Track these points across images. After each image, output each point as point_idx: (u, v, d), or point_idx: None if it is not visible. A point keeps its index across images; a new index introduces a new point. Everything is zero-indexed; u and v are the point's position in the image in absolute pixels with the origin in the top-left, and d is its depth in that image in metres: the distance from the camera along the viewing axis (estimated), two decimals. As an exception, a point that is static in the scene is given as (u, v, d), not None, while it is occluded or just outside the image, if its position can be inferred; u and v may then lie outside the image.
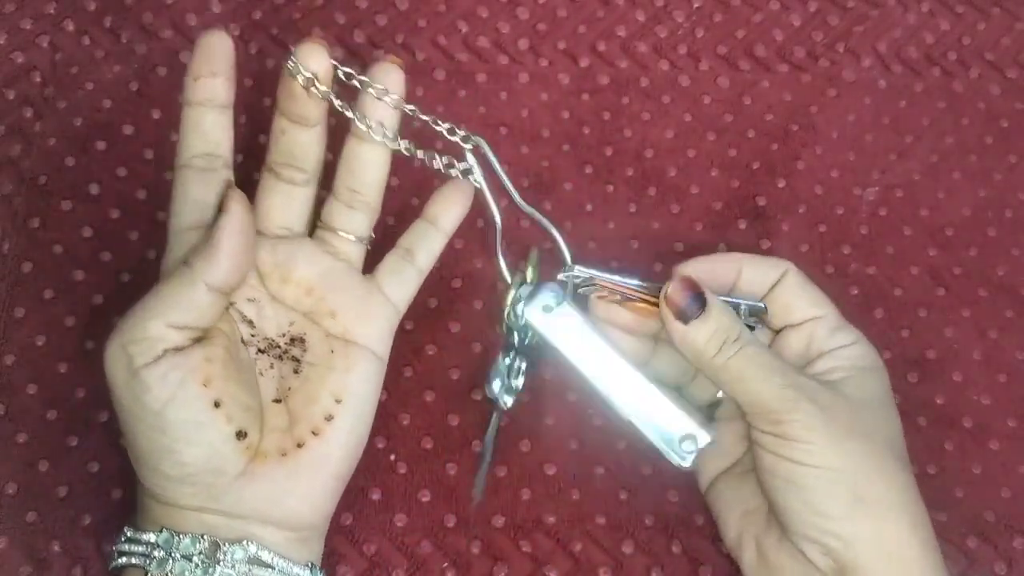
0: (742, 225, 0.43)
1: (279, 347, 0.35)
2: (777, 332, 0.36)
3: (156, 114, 0.43)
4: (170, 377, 0.30)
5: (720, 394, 0.38)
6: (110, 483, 0.38)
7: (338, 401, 0.34)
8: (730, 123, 0.45)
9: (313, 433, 0.33)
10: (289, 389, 0.34)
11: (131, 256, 0.41)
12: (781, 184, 0.44)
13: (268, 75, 0.44)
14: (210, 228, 0.32)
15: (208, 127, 0.34)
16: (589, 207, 0.43)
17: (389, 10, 0.46)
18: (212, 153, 0.34)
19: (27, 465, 0.38)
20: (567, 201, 0.43)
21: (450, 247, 0.42)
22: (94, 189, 0.42)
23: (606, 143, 0.44)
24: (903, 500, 0.32)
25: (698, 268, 0.35)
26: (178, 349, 0.31)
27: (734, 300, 0.35)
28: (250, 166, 0.42)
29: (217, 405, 0.31)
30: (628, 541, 0.39)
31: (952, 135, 0.46)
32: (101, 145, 0.42)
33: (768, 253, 0.43)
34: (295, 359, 0.35)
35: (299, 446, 0.33)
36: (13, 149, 0.42)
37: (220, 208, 0.32)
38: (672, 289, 0.34)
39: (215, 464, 0.31)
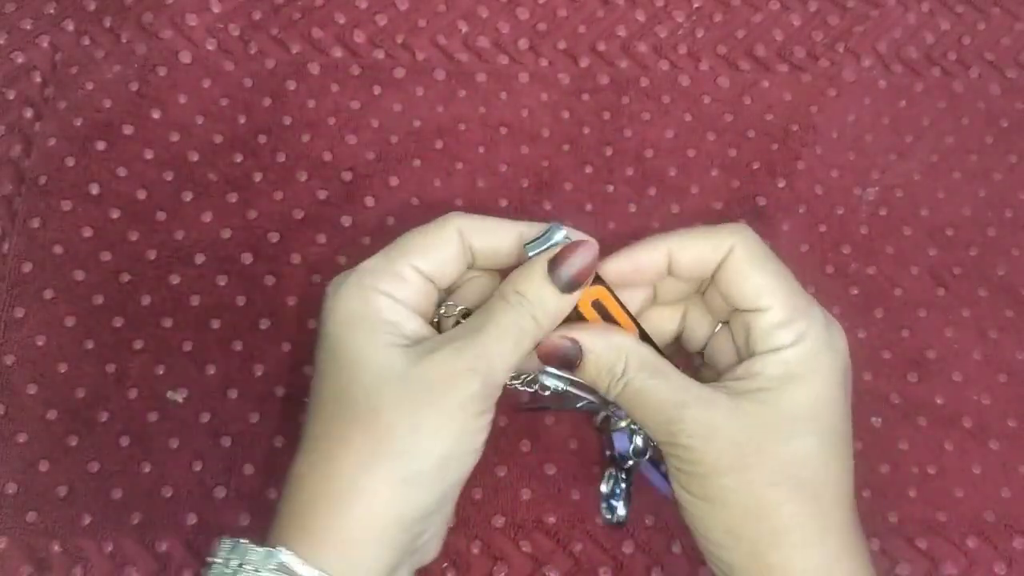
0: (742, 225, 0.43)
1: None
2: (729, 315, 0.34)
3: (156, 114, 0.43)
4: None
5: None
6: (110, 483, 0.38)
7: None
8: (730, 123, 0.45)
9: None
10: None
11: (131, 256, 0.41)
12: (781, 184, 0.44)
13: (268, 75, 0.44)
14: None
15: None
16: (589, 207, 0.43)
17: (389, 10, 0.46)
18: None
19: (27, 465, 0.38)
20: (567, 201, 0.43)
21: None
22: (94, 189, 0.42)
23: (606, 143, 0.44)
24: (792, 526, 0.30)
25: (620, 267, 0.33)
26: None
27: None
28: (250, 166, 0.43)
29: None
30: (628, 541, 0.39)
31: (952, 135, 0.46)
32: (101, 145, 0.42)
33: (768, 253, 0.43)
34: None
35: None
36: (13, 149, 0.42)
37: None
38: (542, 355, 0.32)
39: None
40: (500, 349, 0.30)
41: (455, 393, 0.29)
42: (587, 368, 0.32)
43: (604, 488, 0.38)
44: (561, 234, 0.32)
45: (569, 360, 0.32)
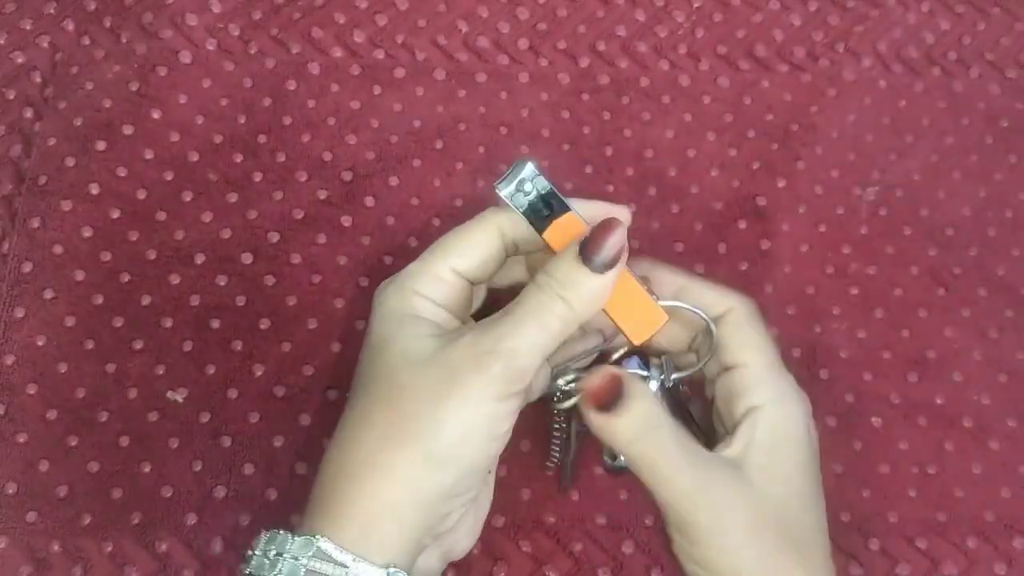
0: (742, 225, 0.43)
1: None
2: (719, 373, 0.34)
3: (156, 114, 0.43)
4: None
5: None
6: (110, 483, 0.38)
7: None
8: (730, 123, 0.45)
9: None
10: None
11: (131, 256, 0.41)
12: (781, 184, 0.44)
13: (268, 75, 0.44)
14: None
15: None
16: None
17: (389, 10, 0.46)
18: None
19: (27, 465, 0.38)
20: (567, 201, 0.43)
21: (450, 247, 0.42)
22: (94, 189, 0.42)
23: (606, 143, 0.44)
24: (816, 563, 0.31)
25: (643, 266, 0.34)
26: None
27: (691, 308, 0.33)
28: (250, 166, 0.43)
29: None
30: (628, 541, 0.39)
31: (952, 135, 0.46)
32: (101, 145, 0.42)
33: (768, 253, 0.43)
34: None
35: None
36: (13, 149, 0.42)
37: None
38: (597, 384, 0.31)
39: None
40: (525, 331, 0.30)
41: (476, 376, 0.29)
42: (630, 412, 0.30)
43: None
44: (528, 168, 0.32)
45: (615, 401, 0.31)
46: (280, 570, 0.28)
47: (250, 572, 0.29)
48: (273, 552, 0.29)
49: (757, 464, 0.31)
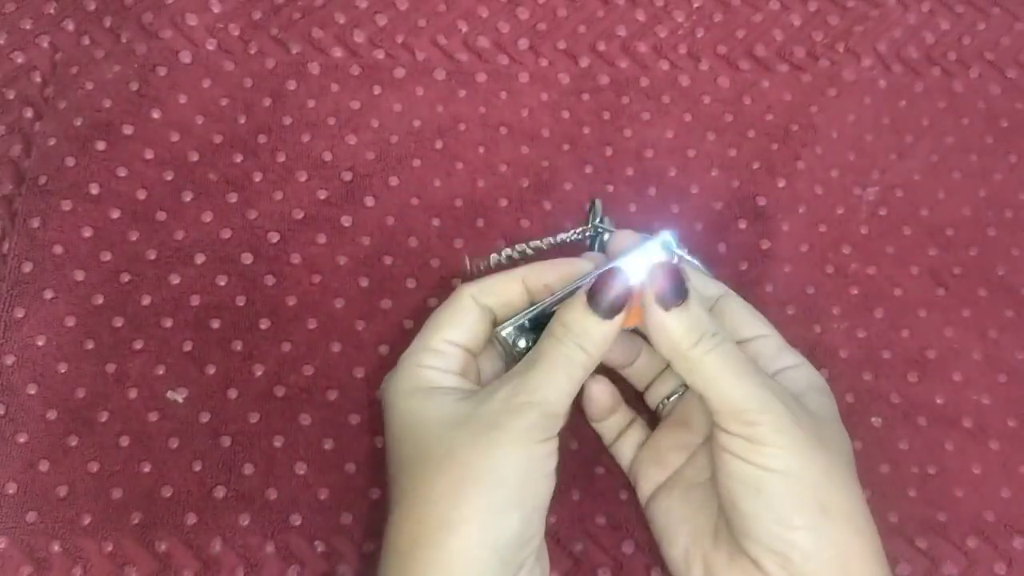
0: (742, 225, 0.43)
1: None
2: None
3: (156, 114, 0.43)
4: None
5: (664, 403, 0.38)
6: (110, 483, 0.38)
7: None
8: (730, 123, 0.45)
9: None
10: None
11: (131, 256, 0.41)
12: (781, 184, 0.44)
13: (268, 75, 0.44)
14: None
15: None
16: (589, 207, 0.43)
17: (389, 10, 0.46)
18: None
19: (27, 465, 0.38)
20: (567, 201, 0.43)
21: (449, 247, 0.42)
22: (94, 189, 0.42)
23: (606, 143, 0.44)
24: (866, 517, 0.32)
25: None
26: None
27: (692, 261, 0.36)
28: (250, 166, 0.43)
29: None
30: (628, 541, 0.39)
31: (952, 135, 0.46)
32: (101, 145, 0.42)
33: (768, 253, 0.43)
34: None
35: None
36: (13, 149, 0.42)
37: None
38: (656, 274, 0.32)
39: None
40: (553, 381, 0.32)
41: (518, 422, 0.31)
42: (687, 312, 0.32)
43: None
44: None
45: (682, 293, 0.32)
46: None
47: None
48: None
49: (807, 404, 0.33)
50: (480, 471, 0.30)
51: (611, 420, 0.38)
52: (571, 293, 0.34)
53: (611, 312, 0.32)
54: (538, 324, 0.35)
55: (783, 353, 0.35)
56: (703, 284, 0.36)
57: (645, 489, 0.37)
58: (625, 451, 0.38)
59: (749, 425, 0.31)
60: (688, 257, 0.37)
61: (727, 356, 0.32)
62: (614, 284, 0.32)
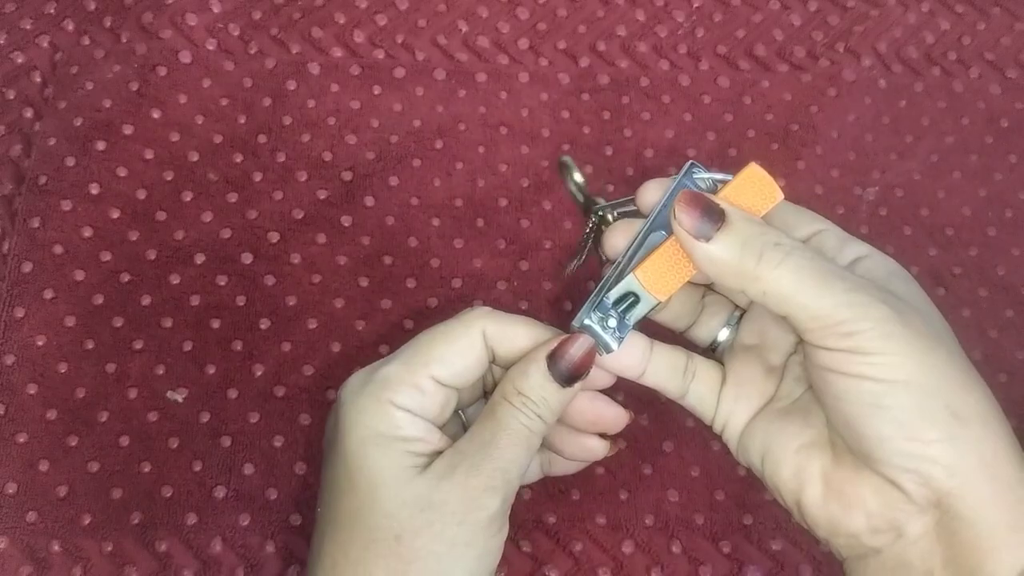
0: (742, 225, 0.43)
1: None
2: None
3: (156, 114, 0.43)
4: None
5: (721, 335, 0.34)
6: (110, 483, 0.38)
7: None
8: (730, 123, 0.45)
9: None
10: None
11: (131, 256, 0.41)
12: (781, 184, 0.44)
13: (268, 75, 0.44)
14: None
15: None
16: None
17: (389, 10, 0.46)
18: None
19: (27, 465, 0.38)
20: (567, 201, 0.43)
21: (449, 247, 0.42)
22: (94, 189, 0.42)
23: (606, 143, 0.44)
24: (999, 417, 0.28)
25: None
26: None
27: (707, 175, 0.31)
28: (250, 166, 0.43)
29: None
30: (628, 541, 0.39)
31: (952, 135, 0.46)
32: (101, 145, 0.42)
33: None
34: None
35: None
36: (13, 149, 0.42)
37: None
38: (679, 210, 0.29)
39: None
40: (513, 456, 0.30)
41: (476, 515, 0.29)
42: (731, 232, 0.28)
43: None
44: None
45: (715, 214, 0.28)
46: None
47: None
48: None
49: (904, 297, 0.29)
50: (428, 566, 0.28)
51: (666, 375, 0.33)
52: (632, 256, 0.31)
53: (572, 380, 0.30)
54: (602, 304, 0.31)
55: (848, 244, 0.30)
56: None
57: (735, 428, 0.32)
58: (703, 397, 0.33)
59: (849, 336, 0.27)
60: (721, 176, 0.32)
61: (801, 264, 0.28)
62: (577, 350, 0.30)
